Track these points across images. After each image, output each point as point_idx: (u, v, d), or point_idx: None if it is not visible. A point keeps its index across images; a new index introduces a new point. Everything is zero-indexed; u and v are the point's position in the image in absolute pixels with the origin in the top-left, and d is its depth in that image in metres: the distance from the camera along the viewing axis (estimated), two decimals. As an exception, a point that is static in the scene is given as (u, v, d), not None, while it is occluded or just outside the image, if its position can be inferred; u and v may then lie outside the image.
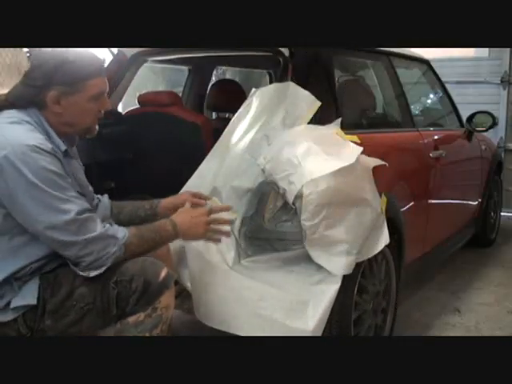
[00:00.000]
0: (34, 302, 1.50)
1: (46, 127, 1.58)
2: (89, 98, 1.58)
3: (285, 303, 1.80)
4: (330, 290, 1.81)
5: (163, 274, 1.56)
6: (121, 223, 1.70)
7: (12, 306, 1.50)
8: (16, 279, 1.52)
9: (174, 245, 1.86)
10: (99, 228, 1.52)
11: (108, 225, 1.57)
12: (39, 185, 1.45)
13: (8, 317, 1.51)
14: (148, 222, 1.76)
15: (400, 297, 2.49)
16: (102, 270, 1.52)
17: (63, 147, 1.59)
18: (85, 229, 1.50)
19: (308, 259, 1.84)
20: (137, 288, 1.53)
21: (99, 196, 1.87)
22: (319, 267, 1.83)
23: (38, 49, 1.64)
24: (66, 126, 1.61)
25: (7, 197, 1.47)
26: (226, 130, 1.99)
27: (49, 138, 1.56)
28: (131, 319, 1.54)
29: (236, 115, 2.01)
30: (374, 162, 2.05)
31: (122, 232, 1.57)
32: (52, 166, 1.48)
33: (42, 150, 1.47)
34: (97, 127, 1.68)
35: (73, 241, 1.48)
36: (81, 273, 1.52)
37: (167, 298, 1.56)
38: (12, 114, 1.56)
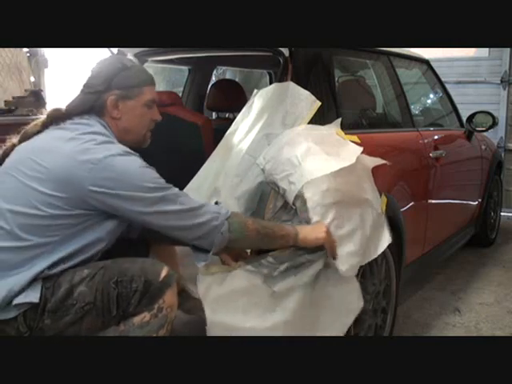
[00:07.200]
0: (36, 300, 1.50)
1: (112, 135, 1.64)
2: (143, 103, 1.68)
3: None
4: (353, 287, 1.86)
5: (164, 273, 1.56)
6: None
7: (14, 303, 1.49)
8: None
9: (179, 247, 1.86)
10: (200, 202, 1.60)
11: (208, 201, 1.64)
12: (145, 184, 1.52)
13: (10, 314, 1.50)
14: None
15: (400, 297, 2.49)
16: (214, 250, 1.58)
17: None
18: (191, 200, 1.58)
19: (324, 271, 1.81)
20: (137, 288, 1.53)
21: None
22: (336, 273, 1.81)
23: (95, 59, 1.70)
24: (123, 132, 1.68)
25: (115, 197, 1.51)
26: (228, 131, 1.99)
27: None
28: (135, 320, 1.54)
29: (238, 116, 2.01)
30: (374, 161, 2.05)
31: (224, 209, 1.63)
32: (142, 161, 1.56)
33: (129, 152, 1.56)
34: (149, 139, 1.76)
35: (185, 208, 1.55)
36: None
37: (170, 297, 1.56)
38: (83, 124, 1.61)
